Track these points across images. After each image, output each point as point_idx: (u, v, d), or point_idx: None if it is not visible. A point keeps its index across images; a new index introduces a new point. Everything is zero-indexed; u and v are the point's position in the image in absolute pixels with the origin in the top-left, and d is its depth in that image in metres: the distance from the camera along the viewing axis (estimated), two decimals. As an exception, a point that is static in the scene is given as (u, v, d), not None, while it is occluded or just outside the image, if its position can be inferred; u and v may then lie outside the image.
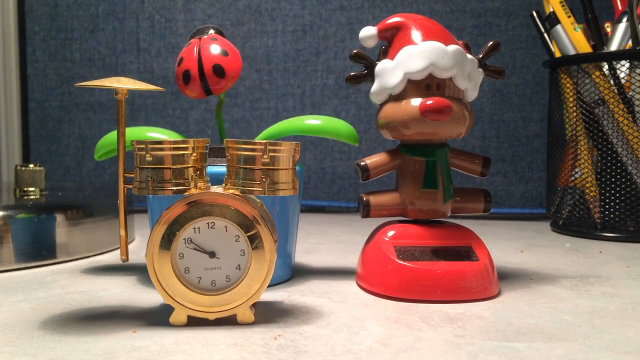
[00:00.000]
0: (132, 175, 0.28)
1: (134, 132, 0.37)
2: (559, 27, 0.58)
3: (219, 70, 0.36)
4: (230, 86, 0.37)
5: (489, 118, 0.76)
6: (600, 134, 0.55)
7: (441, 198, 0.35)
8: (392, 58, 0.35)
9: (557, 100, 0.59)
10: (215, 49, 0.36)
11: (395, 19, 0.35)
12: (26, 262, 0.42)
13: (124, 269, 0.41)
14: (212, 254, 0.28)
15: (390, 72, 0.34)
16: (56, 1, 0.79)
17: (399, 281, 0.33)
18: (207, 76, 0.36)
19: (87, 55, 0.80)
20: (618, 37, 0.56)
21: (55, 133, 0.81)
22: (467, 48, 0.35)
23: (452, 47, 0.33)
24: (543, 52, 0.66)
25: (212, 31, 0.38)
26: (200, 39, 0.37)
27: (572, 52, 0.57)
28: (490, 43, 0.36)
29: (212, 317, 0.28)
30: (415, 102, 0.33)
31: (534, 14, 0.60)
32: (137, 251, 0.48)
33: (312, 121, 0.38)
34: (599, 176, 0.55)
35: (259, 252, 0.28)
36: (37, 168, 0.49)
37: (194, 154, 0.27)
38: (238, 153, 0.27)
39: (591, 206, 0.55)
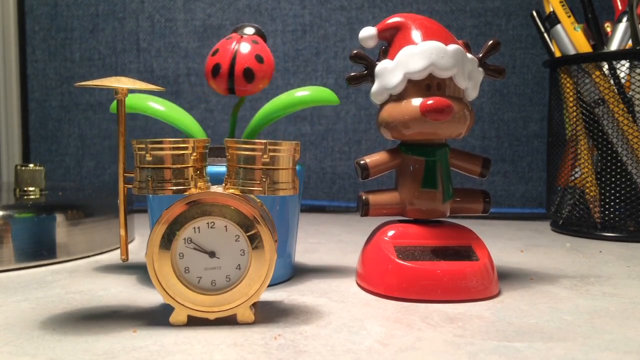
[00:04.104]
0: (132, 175, 0.28)
1: (134, 99, 0.37)
2: (559, 26, 0.58)
3: (249, 74, 0.35)
4: (256, 92, 0.37)
5: (489, 118, 0.76)
6: (600, 133, 0.55)
7: (440, 198, 0.35)
8: (392, 58, 0.34)
9: (557, 100, 0.59)
10: (252, 52, 0.36)
11: (394, 19, 0.35)
12: (26, 262, 0.42)
13: (124, 268, 0.41)
14: (212, 254, 0.28)
15: (391, 72, 0.34)
16: (56, 1, 0.79)
17: (399, 281, 0.33)
18: (235, 77, 0.36)
19: (87, 55, 0.80)
20: (618, 36, 0.56)
21: (55, 133, 0.81)
22: (467, 47, 0.35)
23: (452, 47, 0.33)
24: (543, 51, 0.66)
25: (253, 31, 0.38)
26: (241, 36, 0.37)
27: (572, 51, 0.57)
28: (490, 42, 0.36)
29: (212, 316, 0.28)
30: (416, 102, 0.33)
31: (534, 13, 0.60)
32: (137, 251, 0.48)
33: (301, 93, 0.37)
34: (599, 176, 0.55)
35: (258, 251, 0.28)
36: (37, 168, 0.49)
37: (194, 154, 0.27)
38: (238, 153, 0.27)
39: (591, 206, 0.55)
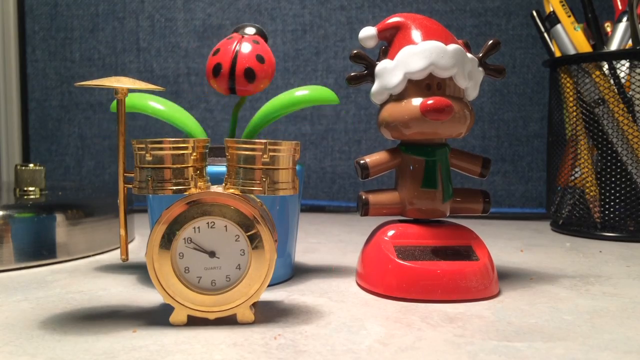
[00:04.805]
0: (132, 174, 0.28)
1: (134, 98, 0.37)
2: (559, 26, 0.58)
3: (250, 74, 0.36)
4: (257, 92, 0.37)
5: (489, 117, 0.76)
6: (600, 133, 0.55)
7: (440, 198, 0.35)
8: (392, 58, 0.34)
9: (557, 99, 0.59)
10: (253, 52, 0.36)
11: (394, 19, 0.35)
12: (26, 262, 0.42)
13: (123, 268, 0.41)
14: (212, 254, 0.28)
15: (391, 72, 0.34)
16: (56, 1, 0.79)
17: (399, 281, 0.33)
18: (236, 76, 0.36)
19: (87, 55, 0.80)
20: (618, 36, 0.56)
21: (55, 132, 0.81)
22: (467, 47, 0.35)
23: (452, 47, 0.33)
24: (543, 51, 0.66)
25: (254, 31, 0.38)
26: (242, 36, 0.37)
27: (572, 51, 0.57)
28: (490, 42, 0.36)
29: (212, 316, 0.28)
30: (416, 101, 0.33)
31: (534, 13, 0.60)
32: (137, 251, 0.48)
33: (300, 92, 0.38)
34: (599, 176, 0.55)
35: (258, 251, 0.28)
36: (37, 167, 0.49)
37: (194, 154, 0.27)
38: (238, 153, 0.27)
39: (591, 206, 0.55)
